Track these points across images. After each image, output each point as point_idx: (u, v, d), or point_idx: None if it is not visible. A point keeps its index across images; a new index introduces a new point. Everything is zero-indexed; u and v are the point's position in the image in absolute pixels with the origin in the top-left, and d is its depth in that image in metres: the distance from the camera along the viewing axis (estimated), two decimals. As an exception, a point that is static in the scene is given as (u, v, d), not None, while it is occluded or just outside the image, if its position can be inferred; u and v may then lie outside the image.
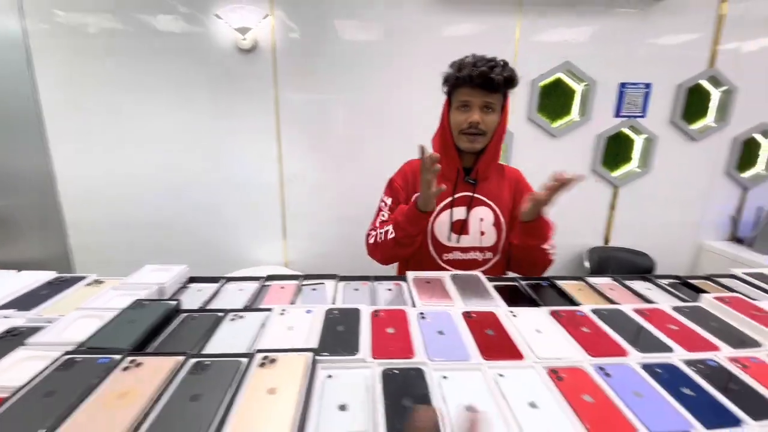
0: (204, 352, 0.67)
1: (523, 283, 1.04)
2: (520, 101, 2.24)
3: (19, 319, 0.78)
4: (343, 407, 0.56)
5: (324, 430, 0.52)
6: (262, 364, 0.61)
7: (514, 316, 0.84)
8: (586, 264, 2.38)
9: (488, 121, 1.11)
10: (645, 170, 2.37)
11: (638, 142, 2.39)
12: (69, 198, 2.22)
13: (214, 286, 0.97)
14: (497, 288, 1.00)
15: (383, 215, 1.22)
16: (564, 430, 0.54)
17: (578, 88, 2.30)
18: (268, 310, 0.82)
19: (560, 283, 1.05)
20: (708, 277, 1.14)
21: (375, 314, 0.82)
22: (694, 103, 2.32)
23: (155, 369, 0.59)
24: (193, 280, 1.00)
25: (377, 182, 2.21)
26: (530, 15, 2.12)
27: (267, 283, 1.00)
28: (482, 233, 1.18)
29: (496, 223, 1.19)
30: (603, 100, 2.26)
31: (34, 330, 0.72)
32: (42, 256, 2.31)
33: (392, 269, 1.29)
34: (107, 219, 2.26)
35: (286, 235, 2.36)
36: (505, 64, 1.09)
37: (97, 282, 0.95)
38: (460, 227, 1.18)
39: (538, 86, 2.22)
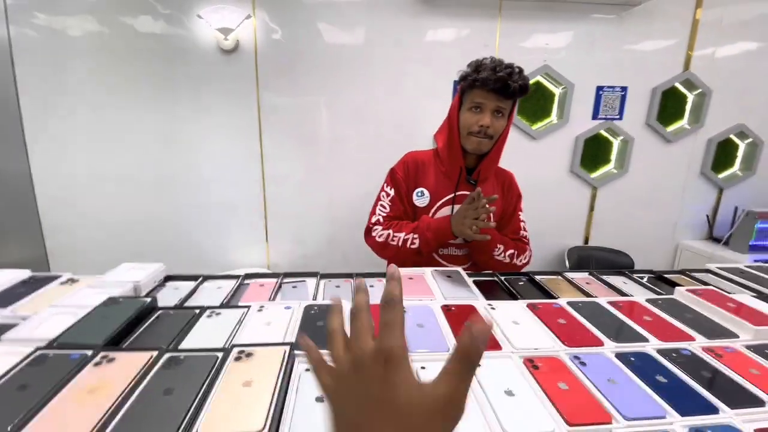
0: (180, 347, 0.66)
1: (503, 278, 1.06)
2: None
3: (-9, 318, 0.76)
4: (320, 399, 0.55)
5: (301, 421, 0.51)
6: (238, 358, 0.60)
7: (493, 308, 0.84)
8: (566, 263, 2.42)
9: (497, 126, 1.12)
10: (622, 171, 2.43)
11: (615, 143, 2.45)
12: (46, 200, 2.16)
13: (191, 284, 0.95)
14: (478, 283, 1.01)
15: (383, 205, 1.24)
16: (539, 417, 0.55)
17: (556, 91, 2.35)
18: (246, 307, 0.81)
19: (538, 277, 1.07)
20: (683, 272, 1.18)
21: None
22: (669, 105, 2.39)
23: (128, 364, 0.58)
24: (169, 278, 0.99)
25: (361, 183, 2.24)
26: (510, 20, 2.16)
27: (246, 281, 0.99)
28: None
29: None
30: (581, 103, 2.31)
31: (8, 327, 0.70)
32: (19, 259, 2.24)
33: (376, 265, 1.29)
34: (85, 221, 2.20)
35: (268, 237, 2.34)
36: (521, 71, 1.10)
37: (72, 281, 0.93)
38: None
39: (519, 89, 2.26)
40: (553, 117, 2.36)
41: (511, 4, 2.13)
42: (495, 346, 0.71)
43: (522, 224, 1.29)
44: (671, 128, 2.43)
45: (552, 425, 0.53)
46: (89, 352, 0.60)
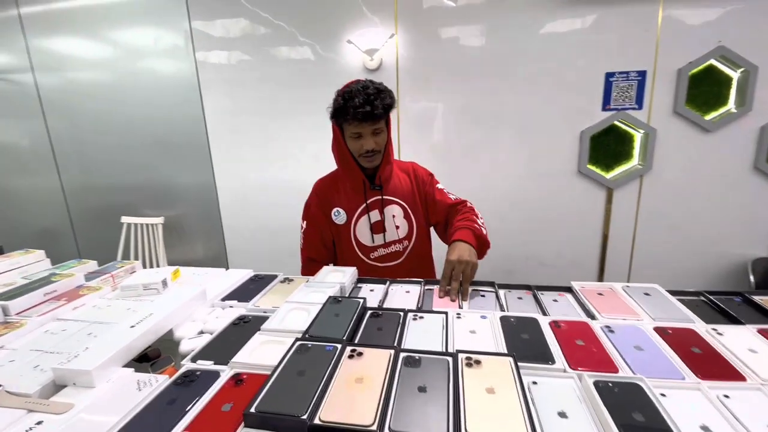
0: (407, 347, 0.73)
1: (713, 297, 0.94)
2: (665, 94, 2.02)
3: (241, 309, 0.95)
4: (562, 414, 0.57)
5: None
6: (468, 364, 0.65)
7: (719, 333, 0.76)
8: (751, 278, 2.05)
9: (380, 141, 1.22)
10: (831, 166, 1.97)
11: (822, 133, 1.99)
12: (226, 206, 2.61)
13: (382, 287, 1.06)
14: (680, 301, 0.92)
15: (304, 239, 1.39)
16: None
17: (734, 75, 2.00)
18: (444, 312, 0.86)
19: (757, 298, 0.92)
20: None
21: (555, 325, 0.81)
22: None
23: (375, 358, 0.66)
24: (360, 281, 1.11)
25: (493, 186, 2.22)
26: (674, -1, 1.91)
27: (427, 287, 1.06)
28: (397, 227, 1.33)
29: (406, 215, 1.34)
30: (767, 88, 1.94)
31: (258, 318, 0.87)
32: (204, 256, 2.73)
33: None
34: (254, 223, 2.61)
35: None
36: (381, 93, 1.16)
37: (288, 280, 1.11)
38: (378, 227, 1.31)
39: (687, 75, 1.99)
40: (731, 105, 2.02)
41: (675, -19, 1.89)
42: (738, 377, 0.64)
43: (447, 193, 1.37)
44: None
45: None
46: (338, 346, 0.70)
